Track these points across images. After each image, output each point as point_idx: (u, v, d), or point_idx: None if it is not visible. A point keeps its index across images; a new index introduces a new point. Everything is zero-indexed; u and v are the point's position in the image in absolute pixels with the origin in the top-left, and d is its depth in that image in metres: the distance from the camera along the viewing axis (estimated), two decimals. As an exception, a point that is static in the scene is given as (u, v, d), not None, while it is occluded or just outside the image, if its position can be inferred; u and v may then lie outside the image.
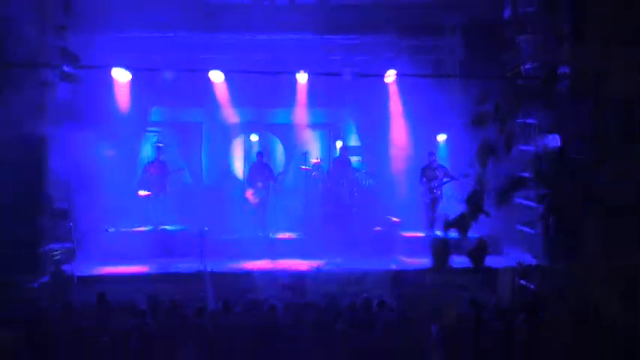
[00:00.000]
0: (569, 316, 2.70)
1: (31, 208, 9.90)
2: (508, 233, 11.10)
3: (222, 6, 11.53)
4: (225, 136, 14.51)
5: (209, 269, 10.28)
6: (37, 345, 7.34)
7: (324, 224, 12.68)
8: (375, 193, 13.62)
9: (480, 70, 11.96)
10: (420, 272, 10.14)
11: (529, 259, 10.27)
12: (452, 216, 3.27)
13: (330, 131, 15.16)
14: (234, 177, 14.42)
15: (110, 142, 12.42)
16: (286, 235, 12.90)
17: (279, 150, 14.96)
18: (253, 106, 14.16)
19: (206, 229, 12.10)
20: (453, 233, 3.27)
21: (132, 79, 12.66)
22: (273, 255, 11.58)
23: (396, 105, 13.74)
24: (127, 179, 13.08)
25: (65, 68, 10.16)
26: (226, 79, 13.09)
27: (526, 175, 9.75)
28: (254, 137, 14.58)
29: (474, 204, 3.26)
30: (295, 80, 13.13)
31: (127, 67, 12.24)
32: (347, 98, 13.76)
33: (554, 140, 8.97)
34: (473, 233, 3.51)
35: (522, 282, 10.19)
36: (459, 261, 3.32)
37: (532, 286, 9.84)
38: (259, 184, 13.10)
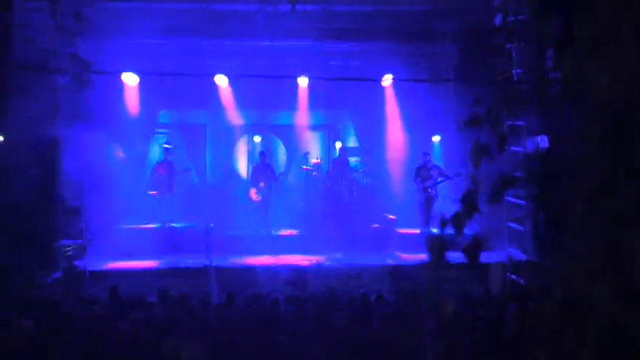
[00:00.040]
0: (555, 304, 2.76)
1: (45, 208, 9.99)
2: (499, 230, 11.07)
3: (227, 14, 11.51)
4: (229, 137, 14.71)
5: (214, 264, 10.20)
6: (53, 333, 7.62)
7: (324, 222, 12.78)
8: (372, 192, 13.77)
9: (473, 75, 12.03)
10: (416, 267, 10.28)
11: (519, 255, 10.33)
12: (446, 214, 3.31)
13: (329, 133, 15.37)
14: (238, 176, 14.64)
15: (120, 143, 12.65)
16: (288, 231, 13.03)
17: (281, 151, 15.16)
18: (256, 108, 14.32)
19: (211, 225, 12.11)
20: (449, 230, 3.29)
21: (141, 83, 12.85)
22: (275, 251, 11.65)
23: (392, 108, 13.96)
24: (136, 179, 13.22)
25: (76, 73, 10.22)
26: (231, 83, 13.34)
27: (517, 174, 10.05)
28: (257, 138, 14.81)
29: (469, 203, 3.27)
30: (296, 84, 13.40)
31: (136, 72, 12.40)
32: (346, 101, 13.98)
33: (543, 141, 9.22)
34: (466, 230, 3.53)
35: (513, 277, 10.25)
36: (455, 257, 3.35)
37: (522, 281, 9.92)
38: (262, 184, 13.23)
